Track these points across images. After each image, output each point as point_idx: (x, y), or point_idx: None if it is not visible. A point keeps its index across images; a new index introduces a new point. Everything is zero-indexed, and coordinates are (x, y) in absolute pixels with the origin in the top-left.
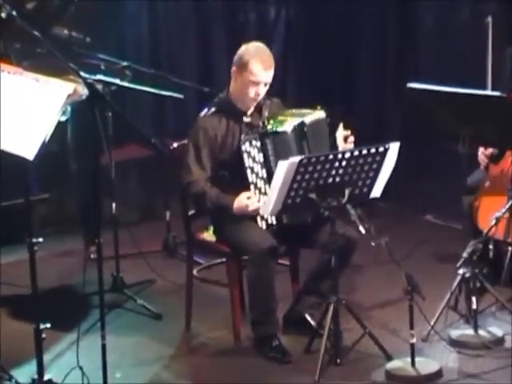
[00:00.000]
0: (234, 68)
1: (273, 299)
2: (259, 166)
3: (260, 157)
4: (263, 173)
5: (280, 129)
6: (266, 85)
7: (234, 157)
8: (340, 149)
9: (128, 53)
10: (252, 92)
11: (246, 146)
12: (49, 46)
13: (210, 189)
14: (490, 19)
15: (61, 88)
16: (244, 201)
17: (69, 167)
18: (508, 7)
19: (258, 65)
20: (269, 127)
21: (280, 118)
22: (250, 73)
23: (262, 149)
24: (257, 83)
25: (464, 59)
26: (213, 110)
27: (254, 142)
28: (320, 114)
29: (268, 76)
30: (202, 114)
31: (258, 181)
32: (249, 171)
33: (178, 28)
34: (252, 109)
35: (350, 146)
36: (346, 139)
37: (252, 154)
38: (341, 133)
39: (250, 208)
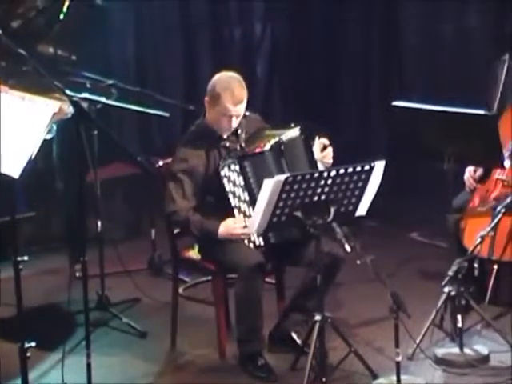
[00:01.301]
0: (206, 98)
1: (259, 317)
2: (240, 189)
3: (240, 180)
4: (245, 196)
5: (257, 149)
6: (238, 117)
7: (215, 182)
8: (319, 163)
9: (113, 71)
10: (225, 122)
11: (224, 171)
12: (34, 64)
13: (192, 216)
14: (506, 57)
15: (46, 106)
16: (231, 227)
17: (54, 185)
18: (492, 18)
19: (228, 100)
20: (246, 149)
21: (256, 140)
22: (222, 106)
23: (242, 172)
24: (229, 116)
25: (449, 75)
26: (191, 138)
27: (232, 166)
28: (294, 131)
29: (239, 109)
30: (181, 142)
31: (241, 204)
32: (231, 196)
33: (163, 46)
34: (228, 133)
35: (329, 156)
36: (324, 149)
37: (232, 178)
38: (317, 146)
39: (238, 231)
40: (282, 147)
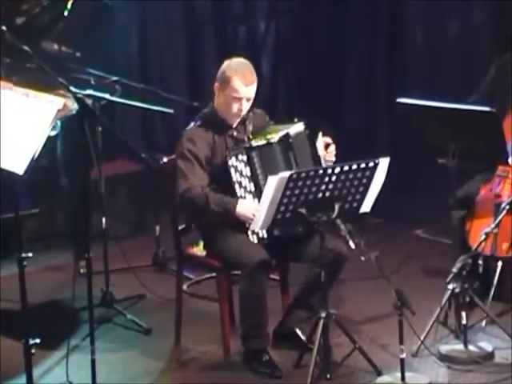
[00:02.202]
0: (216, 84)
1: (264, 313)
2: (247, 179)
3: (247, 170)
4: (251, 186)
5: (265, 141)
6: (248, 100)
7: (221, 171)
8: (322, 158)
9: (118, 68)
10: (235, 107)
11: (232, 161)
12: (39, 60)
13: (211, 192)
14: (510, 55)
15: (50, 103)
16: (250, 208)
17: (59, 182)
18: (495, 15)
19: (239, 81)
20: (253, 142)
21: (263, 133)
22: (232, 89)
23: (249, 162)
24: (239, 99)
25: (453, 72)
26: (198, 123)
27: (240, 156)
28: (299, 126)
29: (250, 91)
30: (188, 127)
31: (247, 195)
32: (237, 185)
33: (167, 42)
34: (237, 122)
35: (332, 154)
36: (327, 147)
37: (239, 168)
38: (321, 142)
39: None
40: (290, 140)
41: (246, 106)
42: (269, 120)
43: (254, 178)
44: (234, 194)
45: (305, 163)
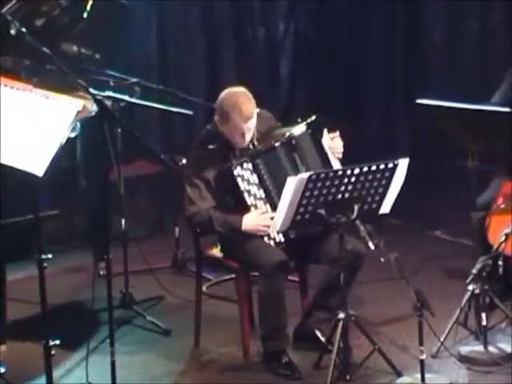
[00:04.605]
0: (216, 117)
1: (283, 314)
2: (255, 186)
3: (254, 178)
4: (261, 193)
5: (269, 146)
6: (250, 130)
7: (230, 182)
8: (329, 155)
9: (137, 69)
10: (237, 138)
11: (238, 170)
12: (58, 62)
13: (214, 213)
14: None
15: (70, 105)
16: (258, 218)
17: (78, 183)
18: None
19: (237, 118)
20: (258, 147)
21: (268, 139)
22: (232, 125)
23: (255, 169)
24: (240, 133)
25: (473, 73)
26: (202, 141)
27: (245, 165)
28: (301, 126)
29: (250, 125)
30: (193, 149)
31: (258, 202)
32: (246, 194)
33: (186, 44)
34: (243, 145)
35: (338, 146)
36: (332, 140)
37: (245, 176)
38: (327, 139)
39: (266, 222)
40: (293, 142)
41: (249, 134)
42: (277, 122)
43: (262, 184)
44: (245, 204)
45: (311, 162)
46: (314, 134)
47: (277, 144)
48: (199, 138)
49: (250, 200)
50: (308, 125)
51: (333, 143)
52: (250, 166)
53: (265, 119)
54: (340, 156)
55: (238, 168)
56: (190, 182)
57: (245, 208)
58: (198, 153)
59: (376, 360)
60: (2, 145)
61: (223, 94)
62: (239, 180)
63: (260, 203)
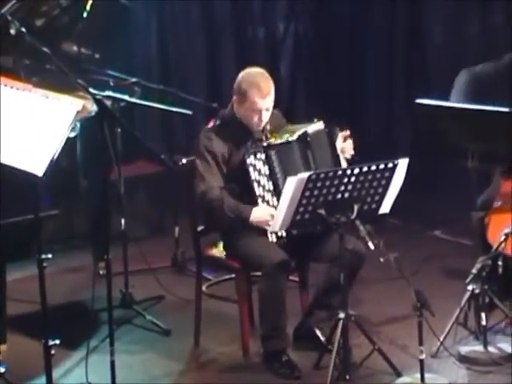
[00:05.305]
0: (234, 97)
1: (284, 314)
2: (265, 178)
3: (265, 169)
4: (269, 185)
5: (284, 140)
6: (267, 110)
7: (240, 170)
8: (341, 157)
9: (137, 69)
10: (255, 118)
11: (250, 159)
12: (58, 62)
13: (227, 196)
14: None
15: (70, 104)
16: (265, 213)
17: (78, 183)
18: None
19: (256, 94)
20: (271, 140)
21: (281, 132)
22: (250, 103)
23: (267, 161)
24: (258, 111)
25: None
26: (218, 123)
27: (258, 155)
28: (319, 124)
29: (268, 102)
30: (206, 127)
31: (266, 193)
32: (255, 184)
33: (186, 44)
34: (260, 127)
35: (350, 147)
36: (345, 141)
37: (257, 166)
38: (340, 142)
39: (269, 218)
40: (309, 139)
41: (267, 115)
42: (285, 121)
43: (272, 176)
44: (252, 194)
45: (323, 162)
46: (331, 134)
47: (292, 138)
48: (213, 119)
49: (258, 191)
50: (325, 124)
51: (345, 144)
52: (263, 156)
53: (275, 116)
54: (349, 157)
55: (252, 157)
56: (200, 154)
57: (250, 197)
58: (210, 129)
59: (376, 360)
60: (2, 145)
61: (241, 73)
62: (251, 169)
63: (268, 195)
